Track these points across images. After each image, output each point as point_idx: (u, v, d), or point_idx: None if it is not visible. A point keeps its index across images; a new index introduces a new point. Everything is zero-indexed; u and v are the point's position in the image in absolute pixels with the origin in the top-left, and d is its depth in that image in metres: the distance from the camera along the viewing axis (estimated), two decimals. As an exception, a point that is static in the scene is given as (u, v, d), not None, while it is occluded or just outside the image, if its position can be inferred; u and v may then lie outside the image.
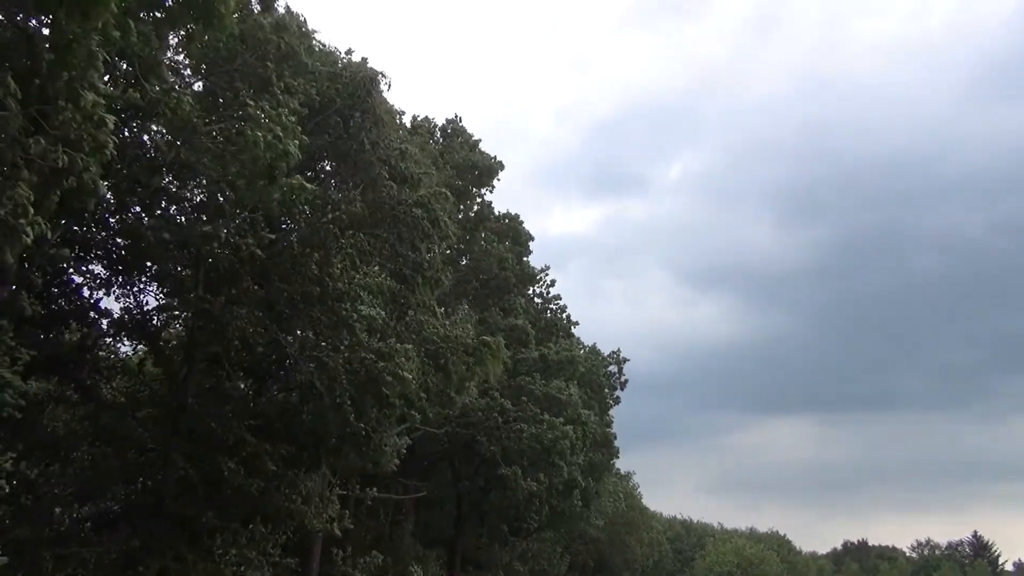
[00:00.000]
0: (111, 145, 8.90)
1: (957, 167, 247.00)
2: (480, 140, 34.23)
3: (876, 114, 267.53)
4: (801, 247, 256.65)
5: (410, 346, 17.81)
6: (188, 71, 16.03)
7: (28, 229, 8.39)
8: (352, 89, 17.75)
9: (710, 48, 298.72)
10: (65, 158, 8.60)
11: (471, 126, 35.31)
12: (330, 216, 17.46)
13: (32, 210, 8.44)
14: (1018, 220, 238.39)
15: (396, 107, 21.21)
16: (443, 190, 19.71)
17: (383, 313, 17.21)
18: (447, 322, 21.41)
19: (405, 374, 17.08)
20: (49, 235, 9.31)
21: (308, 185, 14.54)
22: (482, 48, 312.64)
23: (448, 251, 21.83)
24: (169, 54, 15.74)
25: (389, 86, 18.64)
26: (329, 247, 16.98)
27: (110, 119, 8.78)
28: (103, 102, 9.00)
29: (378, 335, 17.43)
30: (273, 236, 16.74)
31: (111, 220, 17.31)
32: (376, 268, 18.27)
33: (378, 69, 18.72)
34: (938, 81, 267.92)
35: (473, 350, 20.96)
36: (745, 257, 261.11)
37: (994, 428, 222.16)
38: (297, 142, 13.62)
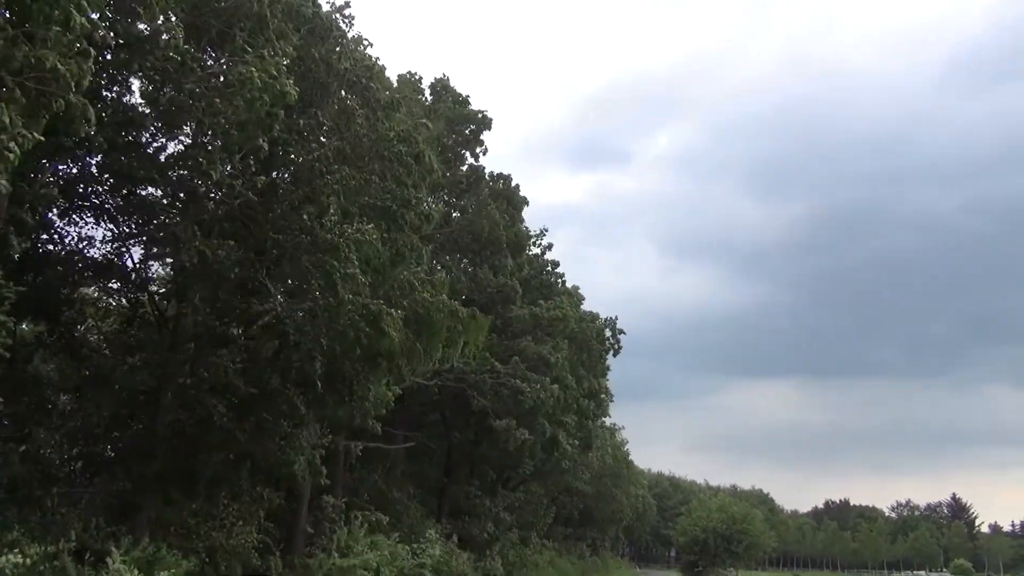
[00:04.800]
0: (89, 76, 8.63)
1: (934, 149, 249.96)
2: (469, 96, 33.62)
3: (858, 97, 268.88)
4: (782, 222, 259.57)
5: (397, 312, 17.60)
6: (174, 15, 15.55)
7: (12, 144, 8.05)
8: (319, 22, 17.42)
9: (701, 29, 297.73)
10: (59, 65, 8.21)
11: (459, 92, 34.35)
12: (315, 155, 17.18)
13: (14, 126, 8.08)
14: (991, 200, 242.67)
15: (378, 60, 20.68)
16: (425, 122, 19.37)
17: (365, 280, 16.86)
18: (435, 279, 21.18)
19: (391, 331, 17.02)
20: (41, 142, 8.89)
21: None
22: (472, 21, 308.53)
23: (436, 196, 21.48)
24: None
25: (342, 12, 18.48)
26: (317, 186, 16.68)
27: (90, 51, 8.51)
28: (88, 27, 8.67)
29: (364, 294, 17.27)
30: (263, 177, 16.47)
31: (98, 162, 17.03)
32: (367, 223, 17.91)
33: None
34: (918, 67, 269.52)
35: (460, 317, 20.78)
36: (728, 230, 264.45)
37: (968, 396, 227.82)
38: (292, 80, 13.33)
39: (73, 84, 8.48)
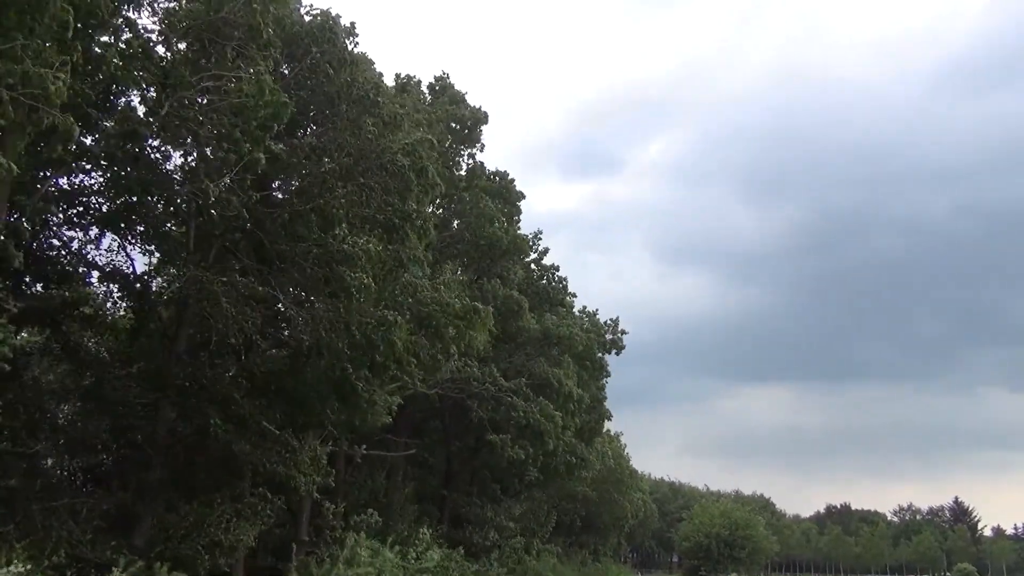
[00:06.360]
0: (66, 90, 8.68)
1: (922, 155, 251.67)
2: (467, 93, 33.50)
3: (848, 104, 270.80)
4: (777, 226, 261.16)
5: (403, 318, 17.63)
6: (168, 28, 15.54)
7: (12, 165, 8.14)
8: (321, 34, 17.48)
9: (695, 36, 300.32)
10: (49, 81, 8.26)
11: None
12: (327, 168, 17.22)
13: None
14: (979, 204, 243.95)
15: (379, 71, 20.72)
16: (428, 137, 19.44)
17: (374, 286, 16.94)
18: (438, 283, 21.12)
19: (396, 340, 17.08)
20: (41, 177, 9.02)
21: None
22: (467, 30, 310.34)
23: (437, 201, 21.56)
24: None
25: (352, 34, 18.48)
26: (327, 201, 16.73)
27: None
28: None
29: (379, 304, 17.33)
30: (259, 195, 16.49)
31: (98, 174, 17.05)
32: (369, 231, 17.98)
33: (341, 14, 18.65)
34: (907, 76, 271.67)
35: (464, 314, 20.75)
36: (724, 235, 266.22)
37: (962, 398, 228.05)
38: (286, 97, 13.40)
39: (59, 102, 8.56)
